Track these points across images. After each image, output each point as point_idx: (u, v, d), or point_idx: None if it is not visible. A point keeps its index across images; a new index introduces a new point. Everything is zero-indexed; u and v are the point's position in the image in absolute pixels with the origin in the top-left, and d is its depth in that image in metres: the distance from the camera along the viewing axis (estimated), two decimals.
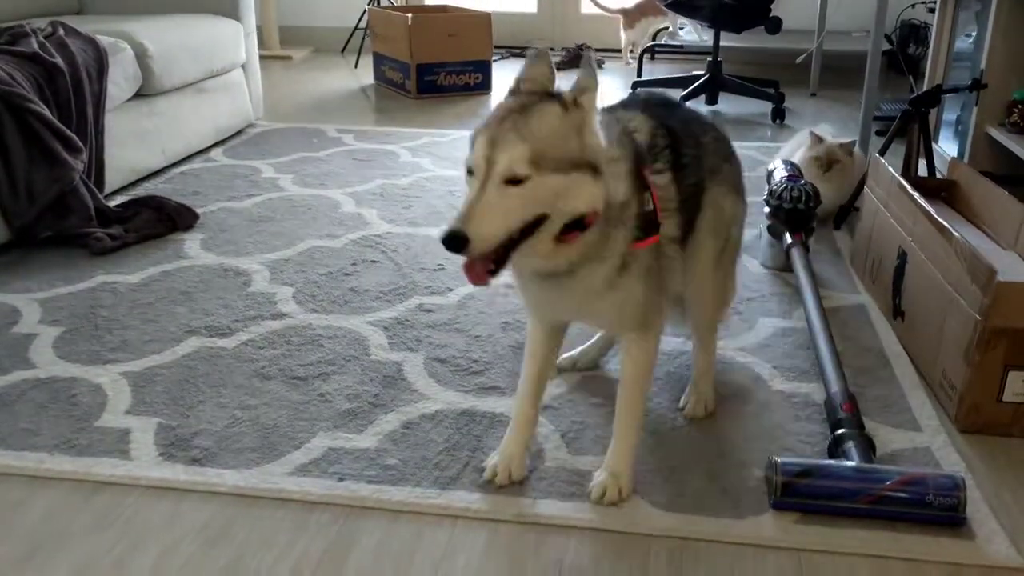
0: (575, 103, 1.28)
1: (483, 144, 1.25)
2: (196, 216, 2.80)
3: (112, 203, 2.82)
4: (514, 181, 1.22)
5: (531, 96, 1.31)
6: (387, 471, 1.59)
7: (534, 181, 1.22)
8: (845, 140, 2.87)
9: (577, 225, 1.29)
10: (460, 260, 1.26)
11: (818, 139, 2.84)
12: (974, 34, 3.25)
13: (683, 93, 4.21)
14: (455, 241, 1.20)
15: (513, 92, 1.34)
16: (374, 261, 2.51)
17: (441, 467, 1.60)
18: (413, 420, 1.75)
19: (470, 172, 1.26)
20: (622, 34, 5.58)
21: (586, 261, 1.35)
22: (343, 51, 5.91)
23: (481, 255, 1.24)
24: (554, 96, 1.31)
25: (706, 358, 1.80)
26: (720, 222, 1.66)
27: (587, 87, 1.28)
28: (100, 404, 1.80)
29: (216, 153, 3.56)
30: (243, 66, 3.84)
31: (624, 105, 1.56)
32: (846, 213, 2.80)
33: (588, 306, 1.44)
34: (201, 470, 1.59)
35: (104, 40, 2.91)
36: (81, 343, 2.04)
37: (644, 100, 1.61)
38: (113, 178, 2.94)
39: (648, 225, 1.40)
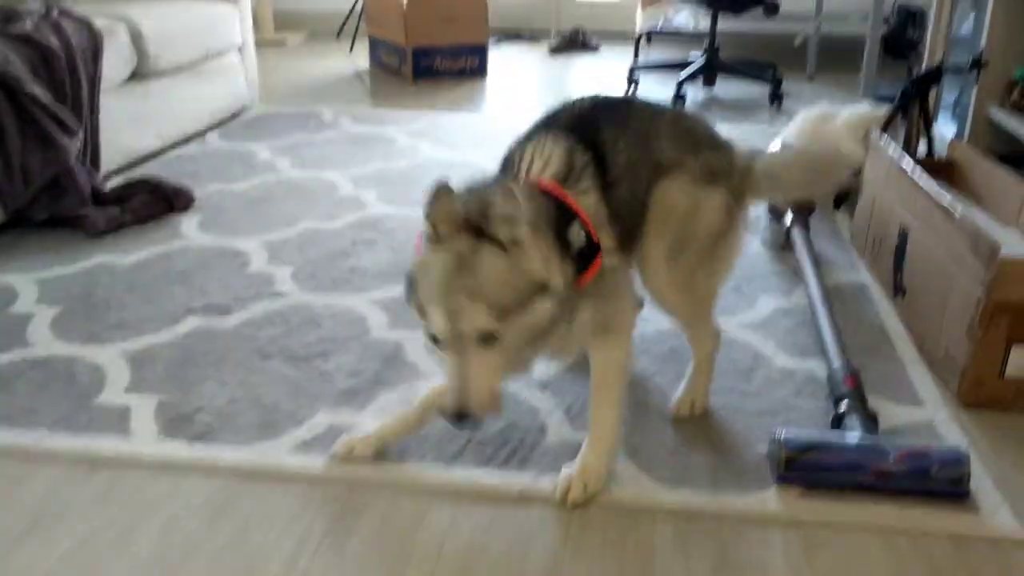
0: (514, 243, 1.24)
1: (441, 316, 1.23)
2: (192, 197, 2.77)
3: (108, 185, 2.79)
4: (487, 337, 1.23)
5: (458, 240, 1.24)
6: (389, 448, 1.58)
7: (505, 330, 1.23)
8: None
9: None
10: None
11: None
12: (973, 15, 3.24)
13: (681, 77, 4.20)
14: (465, 420, 1.24)
15: (434, 238, 1.25)
16: (372, 241, 2.50)
17: (443, 444, 1.59)
18: (414, 398, 1.73)
19: (434, 340, 1.26)
20: (639, 13, 5.52)
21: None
22: (338, 35, 5.87)
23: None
24: (482, 234, 1.24)
25: (697, 353, 1.71)
26: (667, 219, 1.52)
27: (513, 220, 1.22)
28: (99, 382, 1.79)
29: (211, 136, 3.53)
30: (239, 49, 3.81)
31: (546, 125, 1.50)
32: (846, 192, 2.79)
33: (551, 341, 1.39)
34: (202, 447, 1.59)
35: (99, 21, 2.88)
36: (79, 323, 2.03)
37: (566, 114, 1.52)
38: (108, 160, 2.92)
39: (588, 256, 1.36)
